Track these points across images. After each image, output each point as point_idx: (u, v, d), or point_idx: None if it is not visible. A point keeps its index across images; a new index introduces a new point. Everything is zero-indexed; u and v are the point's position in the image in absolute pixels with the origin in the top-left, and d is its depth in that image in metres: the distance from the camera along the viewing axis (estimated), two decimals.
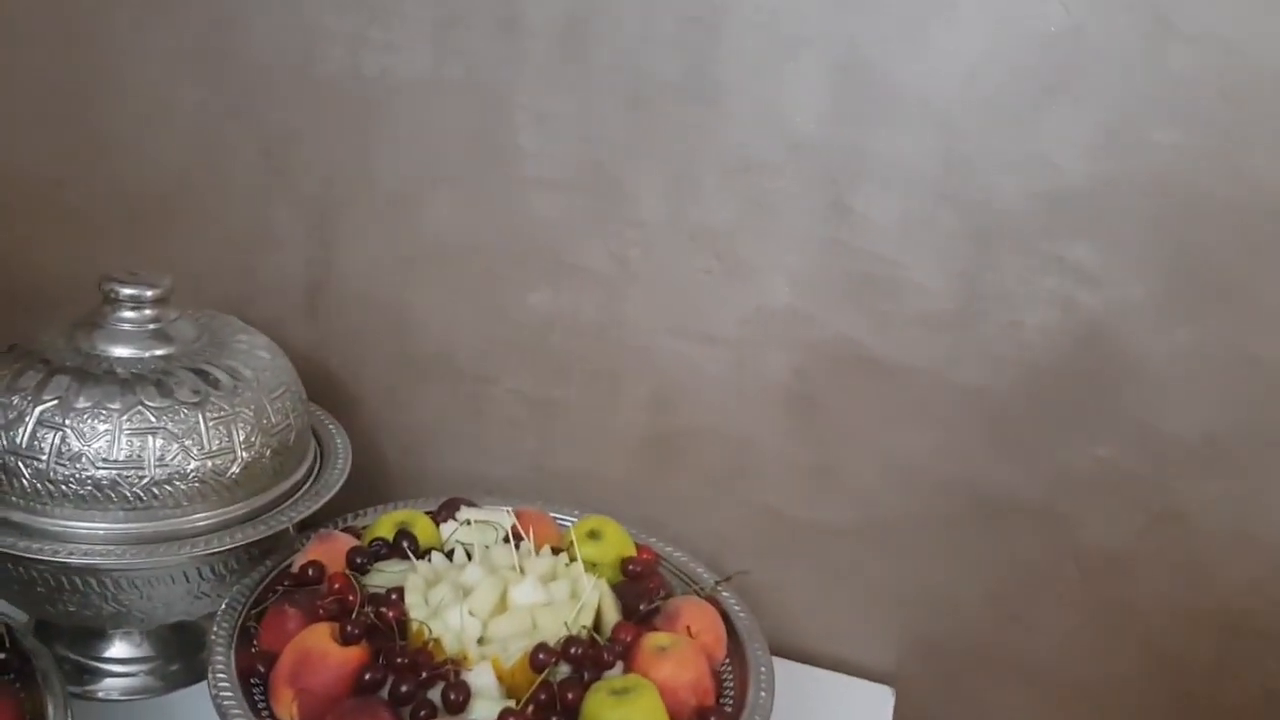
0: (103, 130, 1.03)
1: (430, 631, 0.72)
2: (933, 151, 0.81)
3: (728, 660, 0.79)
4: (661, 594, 0.81)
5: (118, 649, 0.86)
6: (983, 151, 0.80)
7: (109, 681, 0.86)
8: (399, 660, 0.70)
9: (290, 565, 0.82)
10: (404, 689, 0.69)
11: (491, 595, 0.75)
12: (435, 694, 0.69)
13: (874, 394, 0.90)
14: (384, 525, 0.84)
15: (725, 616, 0.82)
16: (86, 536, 0.75)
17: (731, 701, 0.76)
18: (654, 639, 0.75)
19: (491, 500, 0.90)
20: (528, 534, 0.82)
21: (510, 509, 0.86)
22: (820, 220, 0.86)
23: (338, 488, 0.86)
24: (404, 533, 0.82)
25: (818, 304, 0.88)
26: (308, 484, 0.87)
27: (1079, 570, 0.90)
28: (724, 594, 0.85)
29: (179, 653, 0.88)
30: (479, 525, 0.85)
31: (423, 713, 0.68)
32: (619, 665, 0.73)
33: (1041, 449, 0.87)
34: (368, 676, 0.69)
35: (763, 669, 0.78)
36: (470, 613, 0.74)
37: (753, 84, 0.84)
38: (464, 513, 0.87)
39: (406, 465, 1.05)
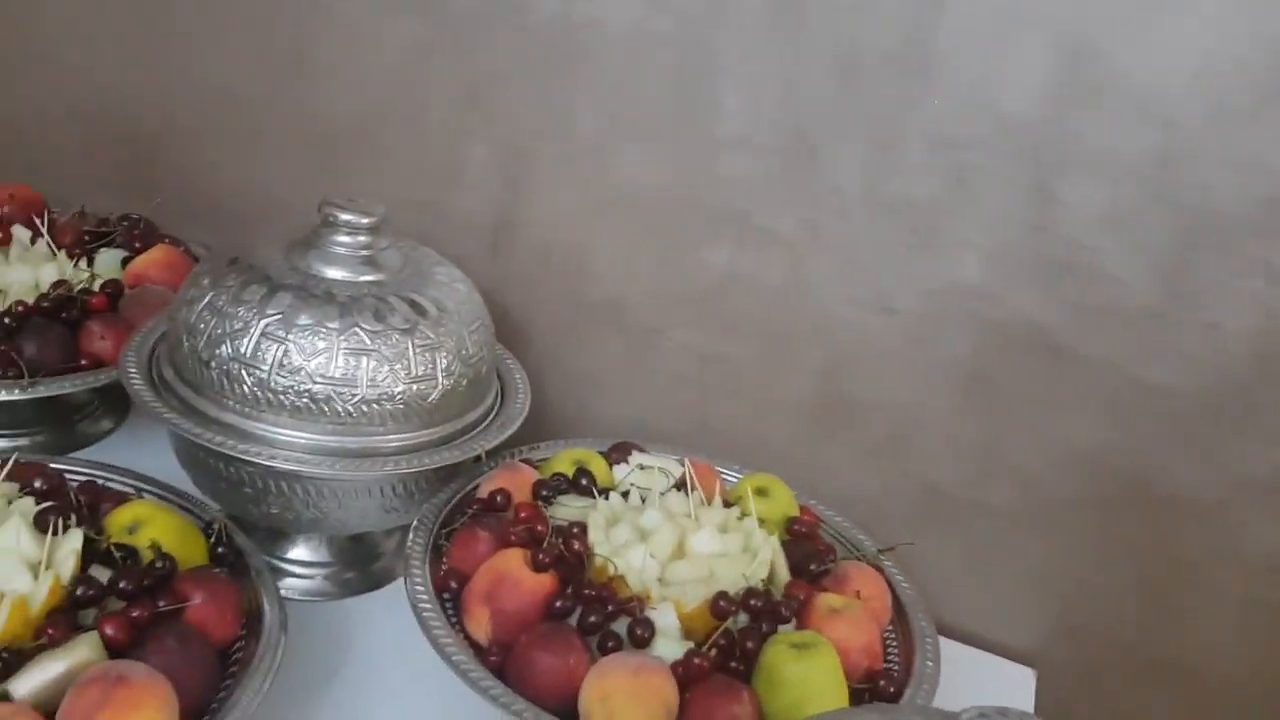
0: (312, 58, 1.07)
1: (615, 568, 0.75)
2: (1150, 145, 0.81)
3: (891, 627, 0.81)
4: (831, 557, 0.83)
5: (299, 551, 0.91)
6: (1201, 150, 0.80)
7: (289, 581, 0.90)
8: (587, 592, 0.73)
9: (476, 490, 0.85)
10: (592, 619, 0.72)
11: (670, 540, 0.78)
12: (619, 627, 0.72)
13: (1052, 380, 0.90)
14: (562, 461, 0.87)
15: (889, 584, 0.83)
16: (295, 445, 0.79)
17: (897, 668, 0.78)
18: (827, 599, 0.77)
19: (656, 448, 0.92)
20: (698, 484, 0.85)
21: (683, 458, 0.89)
22: (1021, 202, 0.86)
23: (521, 420, 0.89)
24: (584, 470, 0.85)
25: (1007, 285, 0.88)
26: (492, 415, 0.90)
27: (1241, 572, 0.89)
28: (886, 562, 0.86)
29: (355, 562, 0.93)
30: (651, 470, 0.88)
31: (610, 644, 0.71)
32: (793, 622, 0.75)
33: (1219, 450, 0.87)
34: (558, 604, 0.73)
35: (928, 639, 0.79)
36: (651, 555, 0.77)
37: (969, 60, 0.84)
38: (636, 457, 0.90)
39: (569, 406, 1.08)
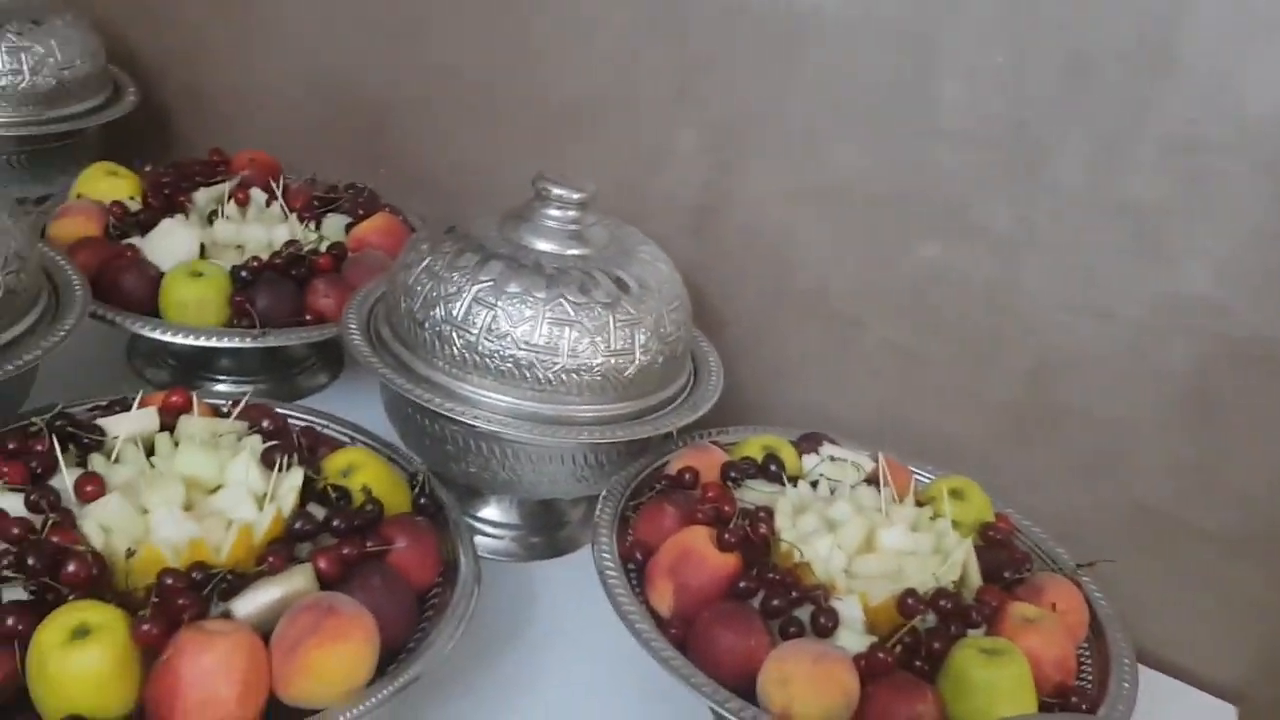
0: (535, 44, 1.10)
1: (800, 555, 0.75)
2: None
3: (1085, 645, 0.78)
4: (1026, 566, 0.80)
5: (491, 512, 0.94)
6: None
7: (479, 539, 0.91)
8: (771, 575, 0.73)
9: (664, 467, 0.86)
10: (775, 603, 0.72)
11: (859, 533, 0.77)
12: (802, 614, 0.72)
13: None
14: (751, 446, 0.87)
15: (1086, 600, 0.80)
16: (497, 407, 0.82)
17: (1091, 685, 0.75)
18: (1020, 608, 0.74)
19: (847, 442, 0.91)
20: (890, 480, 0.83)
21: (875, 453, 0.87)
22: (1263, 210, 0.80)
23: (712, 402, 0.90)
24: (773, 457, 0.85)
25: (1241, 298, 0.83)
26: (684, 394, 0.91)
27: None
28: (1085, 578, 0.83)
29: (542, 527, 0.95)
30: (842, 463, 0.87)
31: (792, 629, 0.71)
32: (983, 627, 0.73)
33: None
34: (742, 584, 0.73)
35: (1126, 660, 0.76)
36: (839, 546, 0.76)
37: (1212, 60, 0.80)
38: (827, 448, 0.89)
39: (761, 393, 1.07)
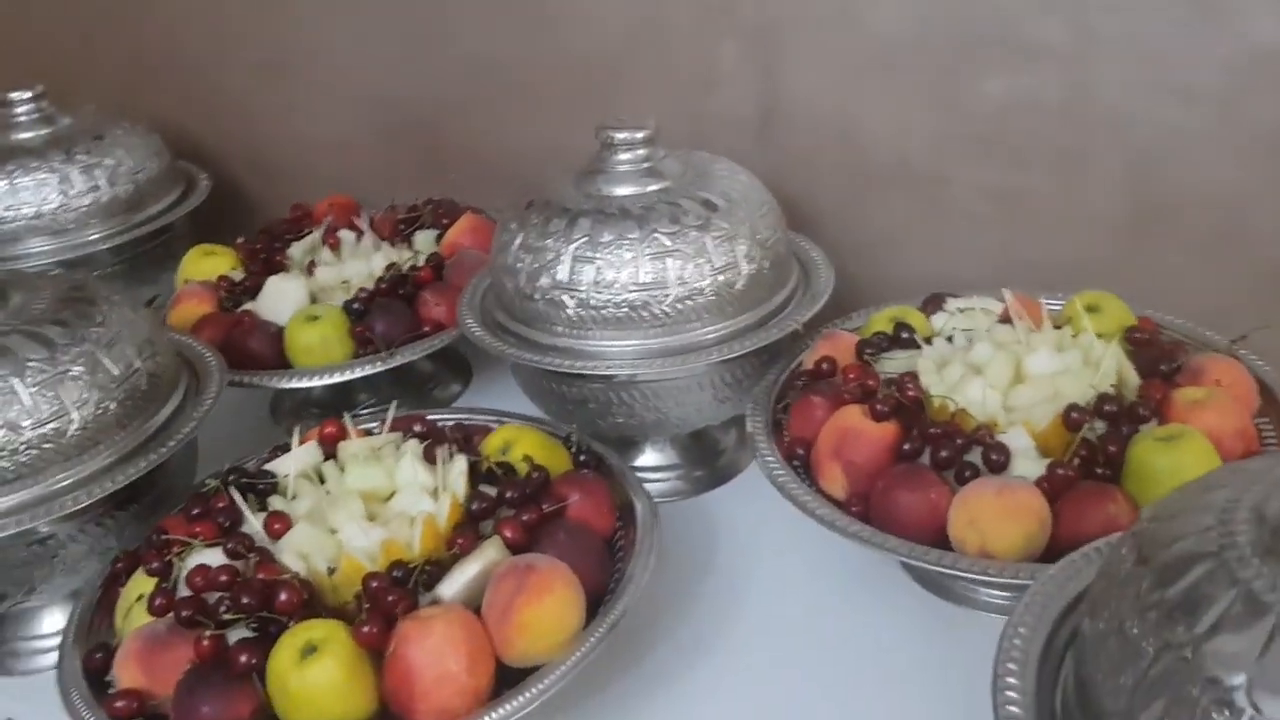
0: (550, 5, 1.11)
1: (954, 404, 0.75)
2: None
3: (1260, 415, 0.77)
4: (1181, 354, 0.79)
5: (648, 458, 0.96)
6: None
7: (646, 486, 0.95)
8: (932, 430, 0.74)
9: (799, 365, 0.87)
10: (944, 454, 0.72)
11: (1006, 369, 0.77)
12: (972, 458, 0.72)
13: None
14: (878, 322, 0.88)
15: (1249, 371, 0.78)
16: (625, 353, 0.84)
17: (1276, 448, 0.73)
18: (1186, 393, 0.73)
19: (969, 294, 0.90)
20: (1022, 312, 0.83)
21: (998, 295, 0.87)
22: None
23: (829, 291, 0.90)
24: (902, 324, 0.85)
25: None
26: (798, 294, 0.91)
27: None
28: (1241, 351, 0.81)
29: (700, 460, 0.97)
30: (970, 313, 0.87)
31: (967, 473, 0.71)
32: (1153, 421, 0.73)
33: None
34: (907, 446, 0.74)
35: None
36: (990, 386, 0.76)
37: None
38: (951, 303, 0.89)
39: (869, 276, 1.06)
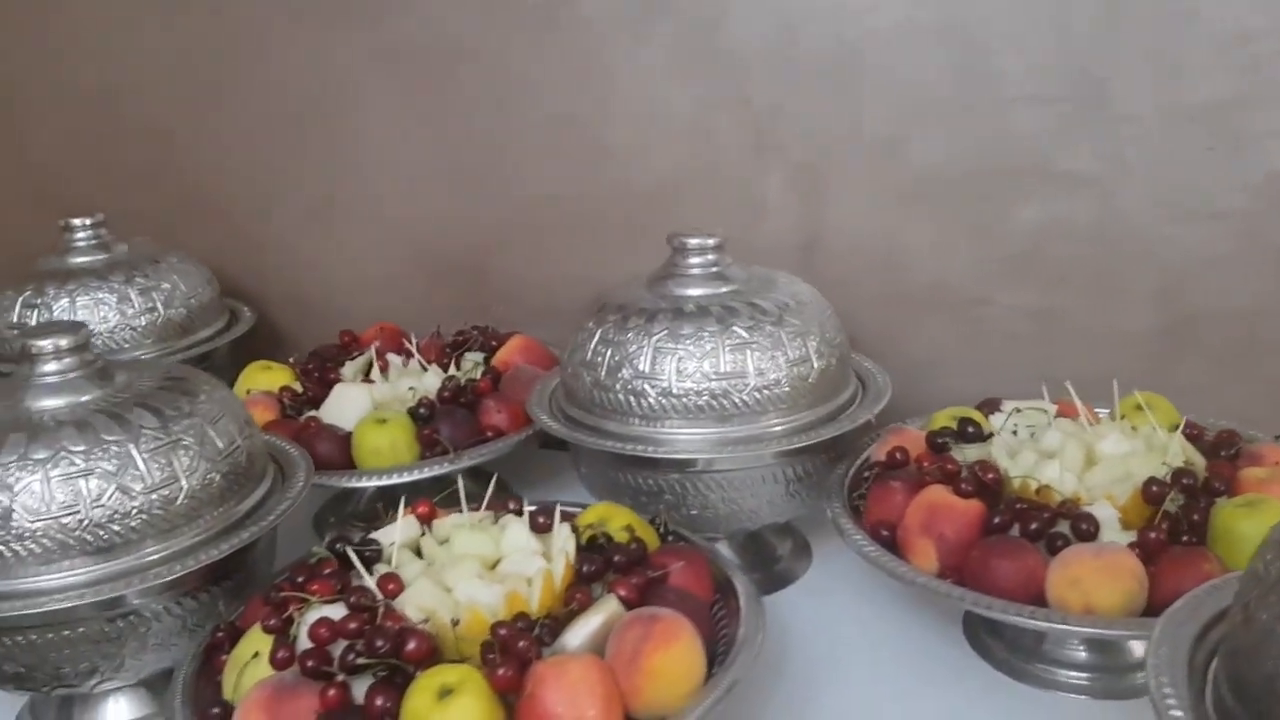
0: (603, 140, 1.19)
1: (1037, 482, 0.79)
2: None
3: None
4: (1236, 442, 0.83)
5: None
6: None
7: None
8: (1019, 505, 0.77)
9: (867, 459, 0.91)
10: (1033, 526, 0.75)
11: (1078, 452, 0.81)
12: (1059, 530, 0.75)
13: None
14: (940, 419, 0.92)
15: None
16: (701, 443, 0.87)
17: None
18: (1252, 472, 0.78)
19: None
20: (1081, 409, 0.87)
21: (1052, 398, 0.91)
22: None
23: (889, 393, 0.94)
24: (967, 420, 0.89)
25: None
26: (859, 395, 0.95)
27: None
28: None
29: (758, 564, 0.98)
30: (1027, 413, 0.91)
31: (1058, 543, 0.74)
32: (1225, 496, 0.76)
33: None
34: (997, 520, 0.76)
35: None
36: (1066, 469, 0.80)
37: None
38: (1007, 405, 0.93)
39: (911, 394, 1.11)
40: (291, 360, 1.17)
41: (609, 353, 0.89)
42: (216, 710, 0.65)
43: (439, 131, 1.27)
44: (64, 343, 0.77)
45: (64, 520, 0.70)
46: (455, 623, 0.66)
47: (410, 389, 1.06)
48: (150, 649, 0.75)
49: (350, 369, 1.14)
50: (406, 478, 0.96)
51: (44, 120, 1.47)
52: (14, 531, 0.70)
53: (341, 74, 1.29)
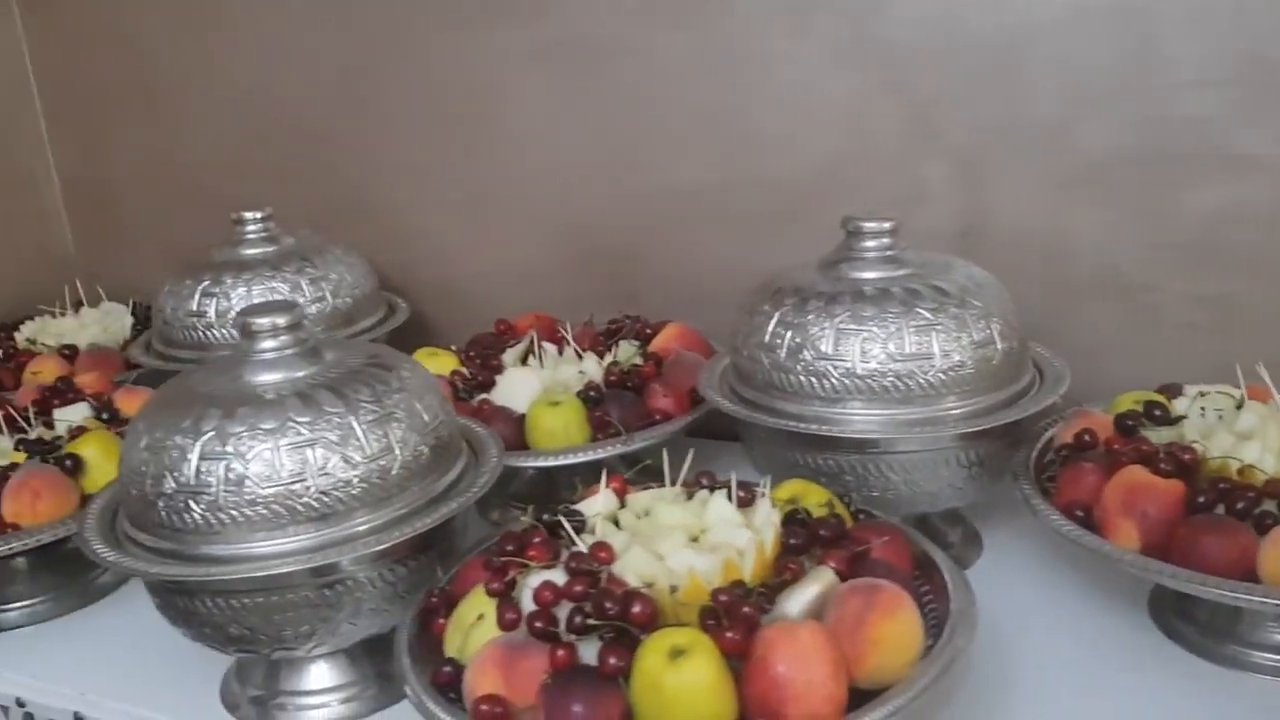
0: (754, 130, 1.20)
1: (1239, 462, 0.78)
2: None
3: None
4: None
5: None
6: None
7: None
8: (1222, 485, 0.76)
9: (1050, 441, 0.91)
10: (1239, 505, 0.74)
11: (1278, 434, 0.80)
12: (1264, 509, 0.74)
13: None
14: (1124, 403, 0.91)
15: None
16: (884, 423, 0.87)
17: None
18: None
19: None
20: (1274, 391, 0.86)
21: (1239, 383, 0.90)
22: None
23: (1068, 377, 0.94)
24: (1153, 403, 0.89)
25: None
26: (1036, 380, 0.95)
27: None
28: None
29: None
30: (1211, 396, 0.90)
31: (1268, 521, 0.73)
32: None
33: None
34: (1201, 499, 0.76)
35: None
36: (1266, 449, 0.79)
37: None
38: (1190, 389, 0.92)
39: (1081, 381, 1.10)
40: (453, 348, 1.20)
41: (789, 335, 0.90)
42: (448, 669, 0.67)
43: (588, 125, 1.29)
44: (281, 321, 0.80)
45: (293, 487, 0.73)
46: (674, 589, 0.67)
47: (580, 372, 1.08)
48: (364, 614, 0.78)
49: (510, 355, 1.16)
50: (585, 457, 0.98)
51: (205, 122, 1.54)
52: (246, 497, 0.73)
53: (491, 73, 1.32)
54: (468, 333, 1.26)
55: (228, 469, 0.73)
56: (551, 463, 0.98)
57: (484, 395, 1.08)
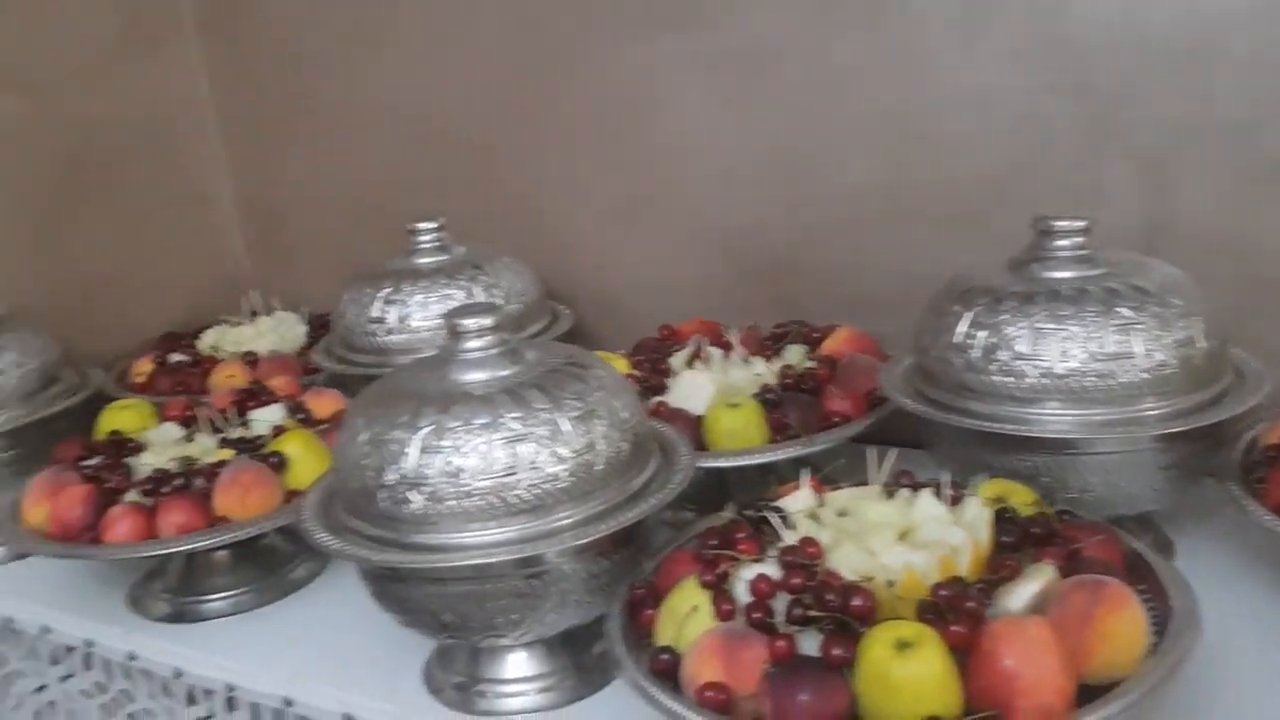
0: (927, 131, 1.19)
1: None
2: None
3: None
4: None
5: None
6: None
7: None
8: None
9: (1253, 442, 0.88)
10: None
11: None
12: None
13: None
14: None
15: None
16: (1081, 424, 0.86)
17: None
18: None
19: None
20: None
21: None
22: None
23: (1268, 379, 0.91)
24: None
25: None
26: (1235, 382, 0.92)
27: None
28: None
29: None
30: None
31: None
32: None
33: None
34: None
35: None
36: None
37: None
38: None
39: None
40: (621, 352, 1.22)
41: (983, 335, 0.90)
42: (665, 656, 0.69)
43: (752, 129, 1.30)
44: (486, 322, 0.83)
45: (505, 480, 0.76)
46: (890, 583, 0.67)
47: (756, 375, 1.09)
48: (570, 605, 0.79)
49: (678, 359, 1.18)
50: (767, 458, 1.00)
51: (373, 138, 1.59)
52: (462, 489, 0.75)
53: (654, 80, 1.35)
54: (626, 340, 1.28)
55: (445, 462, 0.76)
56: (736, 462, 0.99)
57: (658, 398, 1.09)
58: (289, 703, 0.92)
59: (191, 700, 1.07)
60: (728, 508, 0.80)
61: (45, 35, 1.51)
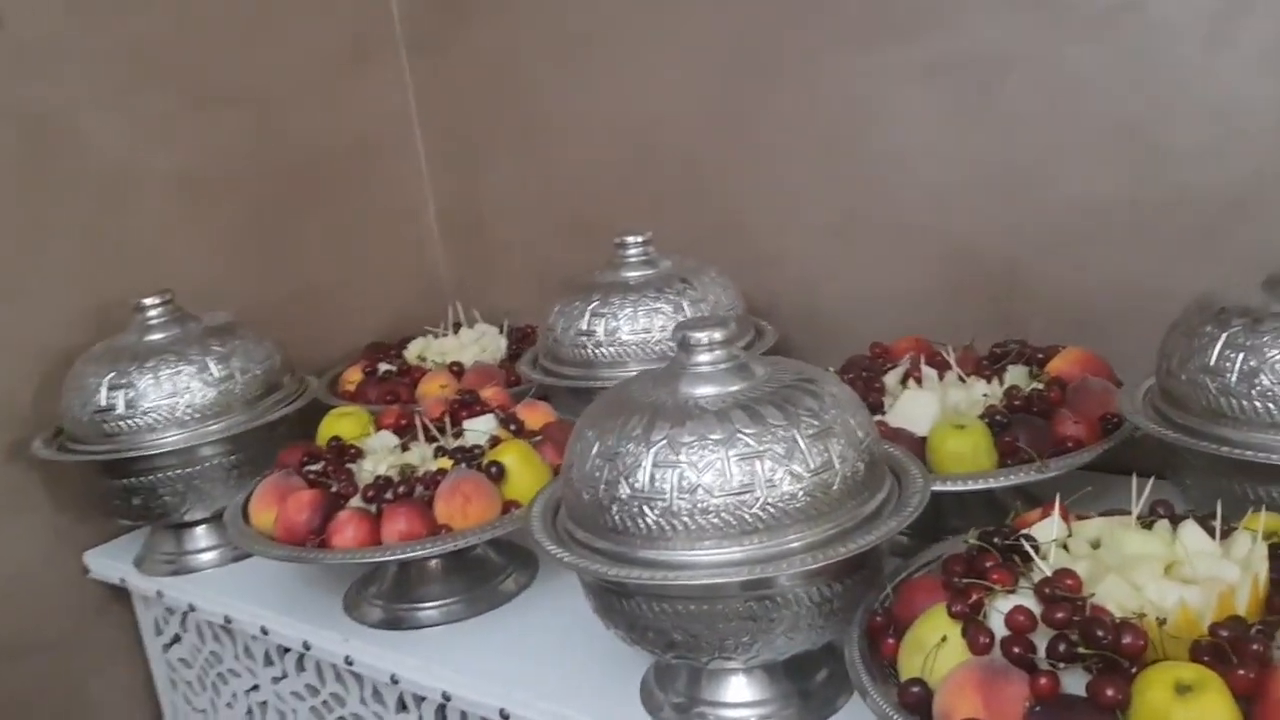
0: (1164, 143, 1.13)
1: None
2: None
3: None
4: None
5: None
6: None
7: None
8: None
9: None
10: None
11: None
12: None
13: None
14: None
15: None
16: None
17: None
18: None
19: None
20: None
21: None
22: None
23: None
24: None
25: None
26: None
27: None
28: None
29: None
30: None
31: None
32: None
33: None
34: None
35: None
36: None
37: None
38: None
39: None
40: (831, 369, 1.19)
41: (1241, 358, 0.84)
42: (916, 689, 0.66)
43: (975, 141, 1.26)
44: (717, 335, 0.81)
45: (742, 498, 0.74)
46: (1162, 621, 0.63)
47: (984, 395, 1.05)
48: (801, 629, 0.78)
49: (891, 378, 1.14)
50: (1000, 483, 0.96)
51: (577, 151, 1.61)
52: (699, 505, 0.74)
53: (870, 91, 1.32)
54: (830, 357, 1.25)
55: (680, 477, 0.75)
56: (970, 486, 0.95)
57: (876, 416, 1.06)
58: (505, 715, 0.93)
59: (402, 707, 1.09)
60: (971, 534, 0.77)
61: (273, 52, 1.58)
